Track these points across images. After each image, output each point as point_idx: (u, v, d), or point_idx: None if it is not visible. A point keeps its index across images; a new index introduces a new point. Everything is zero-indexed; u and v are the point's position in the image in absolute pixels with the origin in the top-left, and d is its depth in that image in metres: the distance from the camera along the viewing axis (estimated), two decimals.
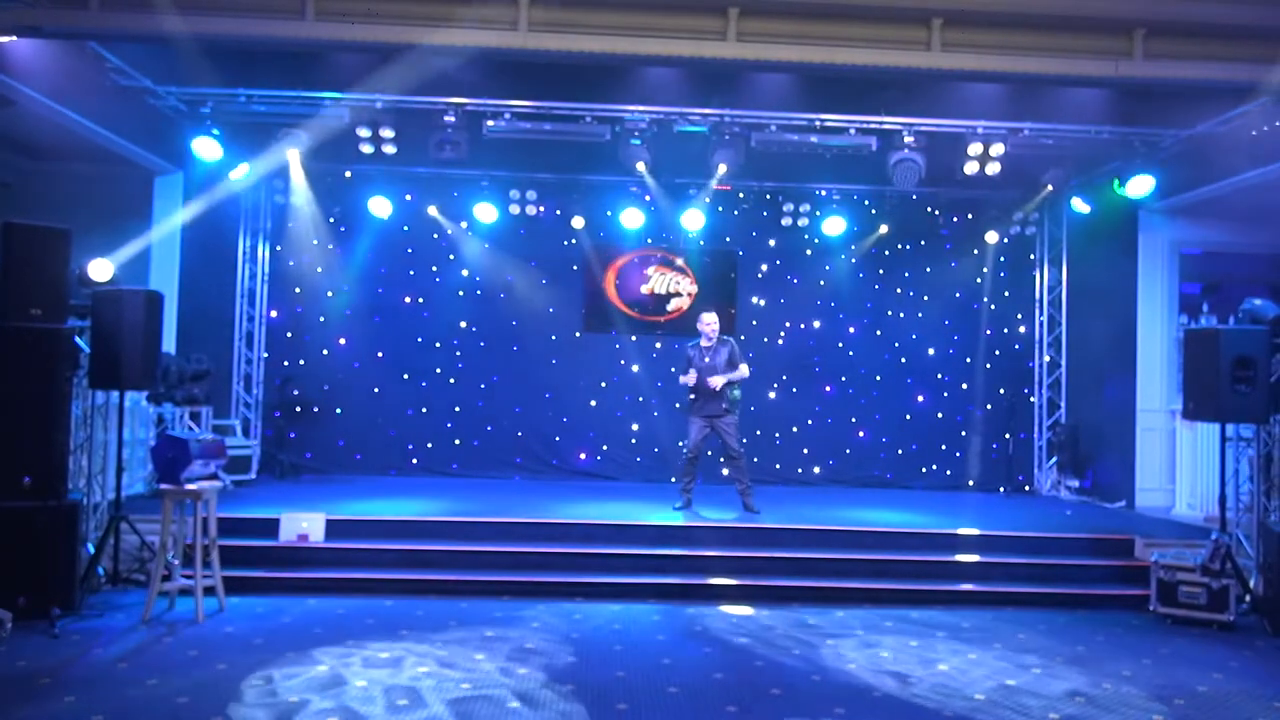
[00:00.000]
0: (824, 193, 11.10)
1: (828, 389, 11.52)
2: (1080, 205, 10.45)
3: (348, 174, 10.75)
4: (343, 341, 11.21)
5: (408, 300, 11.31)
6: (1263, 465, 7.59)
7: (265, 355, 11.22)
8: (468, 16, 5.45)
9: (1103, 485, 10.61)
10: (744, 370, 8.77)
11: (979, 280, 11.68)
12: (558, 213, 11.06)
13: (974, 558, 7.91)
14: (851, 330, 11.61)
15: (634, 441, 11.34)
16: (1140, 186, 9.06)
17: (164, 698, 4.80)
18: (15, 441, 6.32)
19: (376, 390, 11.17)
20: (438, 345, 11.30)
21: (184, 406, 9.25)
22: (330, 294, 11.19)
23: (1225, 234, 10.32)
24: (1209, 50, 5.89)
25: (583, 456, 11.34)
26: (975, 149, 8.87)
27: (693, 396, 8.80)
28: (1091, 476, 10.84)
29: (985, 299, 11.68)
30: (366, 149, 9.03)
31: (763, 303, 11.57)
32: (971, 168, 9.01)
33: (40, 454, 6.39)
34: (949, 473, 11.50)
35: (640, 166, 9.06)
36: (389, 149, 9.01)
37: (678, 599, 7.17)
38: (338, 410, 11.12)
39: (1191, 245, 10.61)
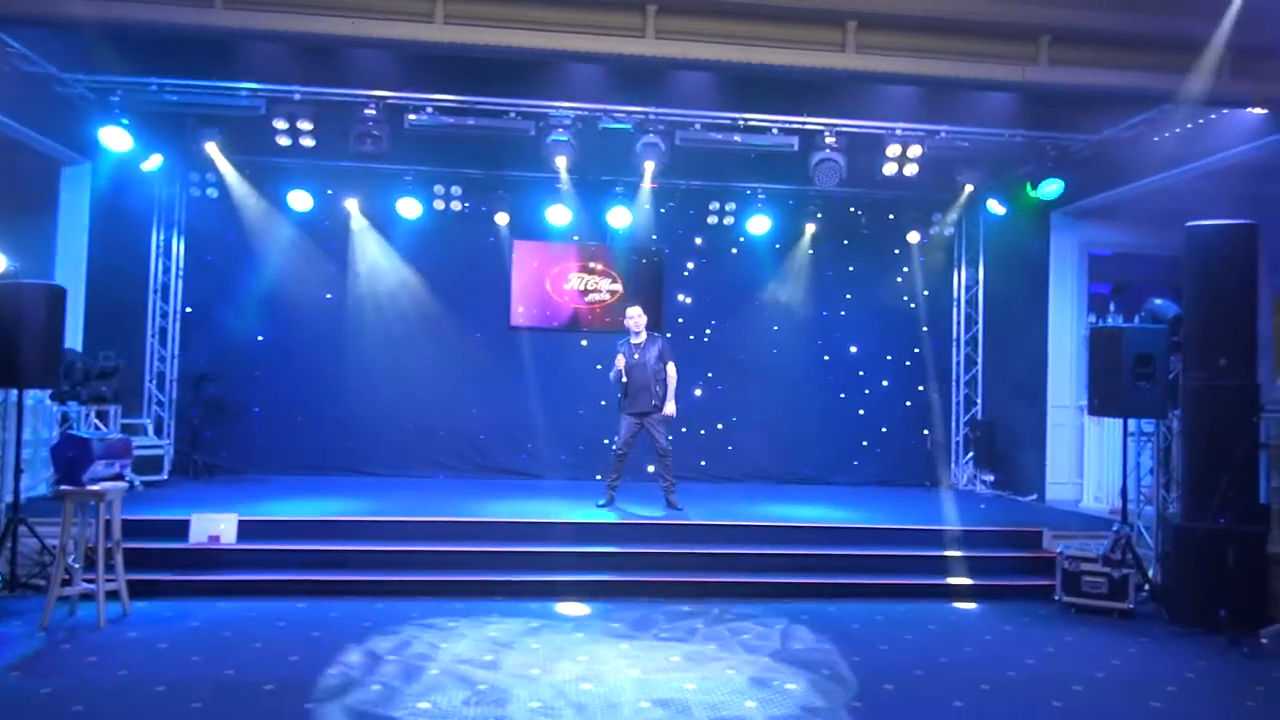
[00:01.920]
0: (749, 191, 11.20)
1: (753, 386, 11.62)
2: (995, 207, 10.74)
3: (266, 167, 10.49)
4: (261, 338, 10.94)
5: (329, 296, 11.10)
6: (1162, 459, 7.91)
7: (179, 352, 10.90)
8: (382, 7, 5.36)
9: (1015, 479, 10.92)
10: (673, 373, 8.81)
11: (900, 279, 11.91)
12: (483, 209, 10.96)
13: (890, 551, 8.06)
14: (776, 328, 11.74)
15: (559, 439, 11.29)
16: (1051, 190, 9.34)
17: (57, 707, 4.63)
18: None
19: (296, 388, 10.93)
20: (359, 342, 11.11)
21: (90, 405, 8.93)
22: (248, 289, 10.90)
23: (1132, 236, 10.70)
24: (1111, 58, 6.11)
25: (507, 455, 11.26)
26: (894, 150, 9.04)
27: (624, 396, 8.78)
28: (1005, 471, 11.14)
29: (906, 298, 11.91)
30: (284, 141, 8.84)
31: (689, 300, 11.63)
32: (890, 169, 9.20)
33: None
34: (871, 468, 11.69)
35: (560, 163, 9.03)
36: (307, 142, 8.84)
37: (603, 596, 7.16)
38: (255, 409, 10.86)
39: (1101, 247, 10.99)
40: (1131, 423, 8.03)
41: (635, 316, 8.87)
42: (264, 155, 9.95)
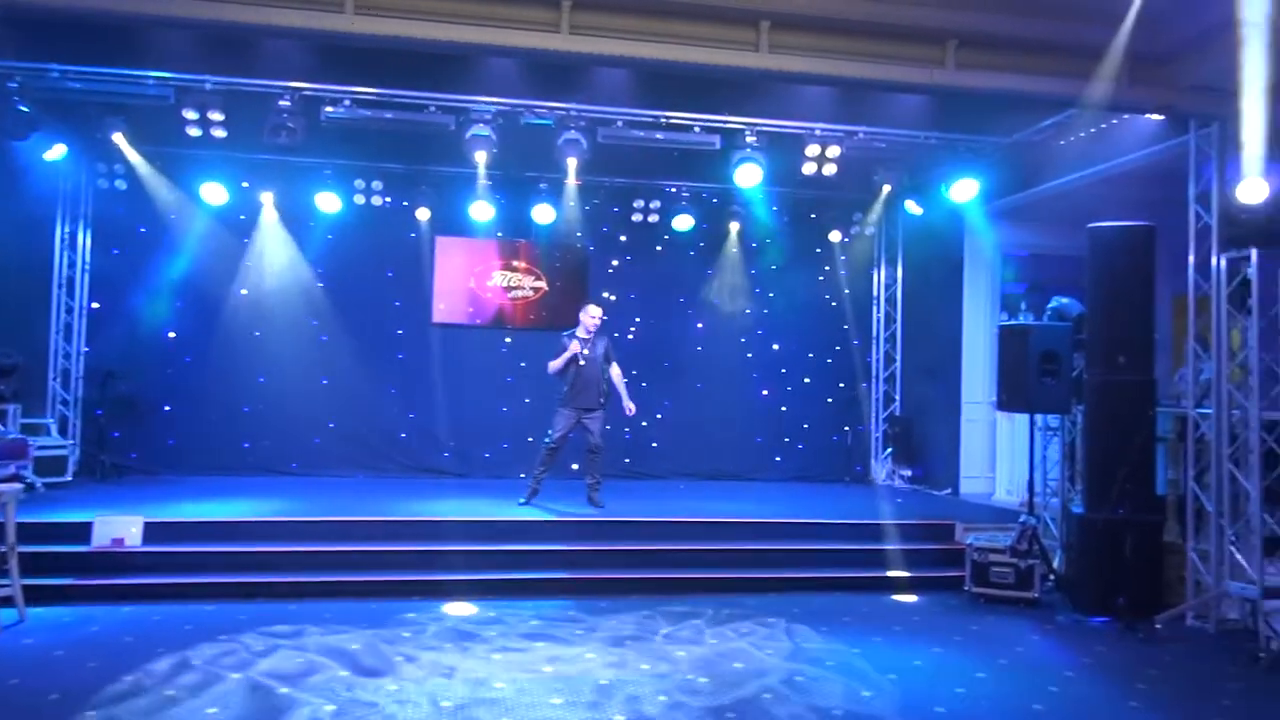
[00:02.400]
0: (674, 189, 11.25)
1: (677, 384, 11.68)
2: (913, 207, 10.96)
3: (177, 158, 10.18)
4: (172, 335, 10.62)
5: (244, 292, 10.82)
6: (1067, 453, 8.18)
7: (86, 349, 10.51)
8: None
9: (932, 474, 11.18)
10: (618, 373, 8.89)
11: (822, 278, 12.09)
12: (405, 204, 10.79)
13: (808, 546, 8.18)
14: (700, 326, 11.82)
15: (483, 437, 11.20)
16: (965, 191, 9.57)
17: None
18: None
19: (209, 386, 10.63)
20: (276, 339, 10.86)
21: None
22: (159, 284, 10.57)
23: (1044, 237, 11.01)
24: (1016, 63, 6.27)
25: (429, 453, 11.13)
26: (813, 150, 9.16)
27: (568, 389, 8.72)
28: (922, 466, 11.40)
29: (828, 296, 12.10)
30: (194, 132, 8.58)
31: (614, 298, 11.61)
32: (809, 168, 9.32)
33: None
34: (793, 464, 11.84)
35: (480, 158, 8.95)
36: (219, 133, 8.58)
37: (518, 595, 7.14)
38: (166, 408, 10.53)
39: (1014, 247, 11.29)
40: (1039, 418, 8.29)
41: (596, 316, 8.88)
42: (174, 146, 9.61)
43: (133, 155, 9.74)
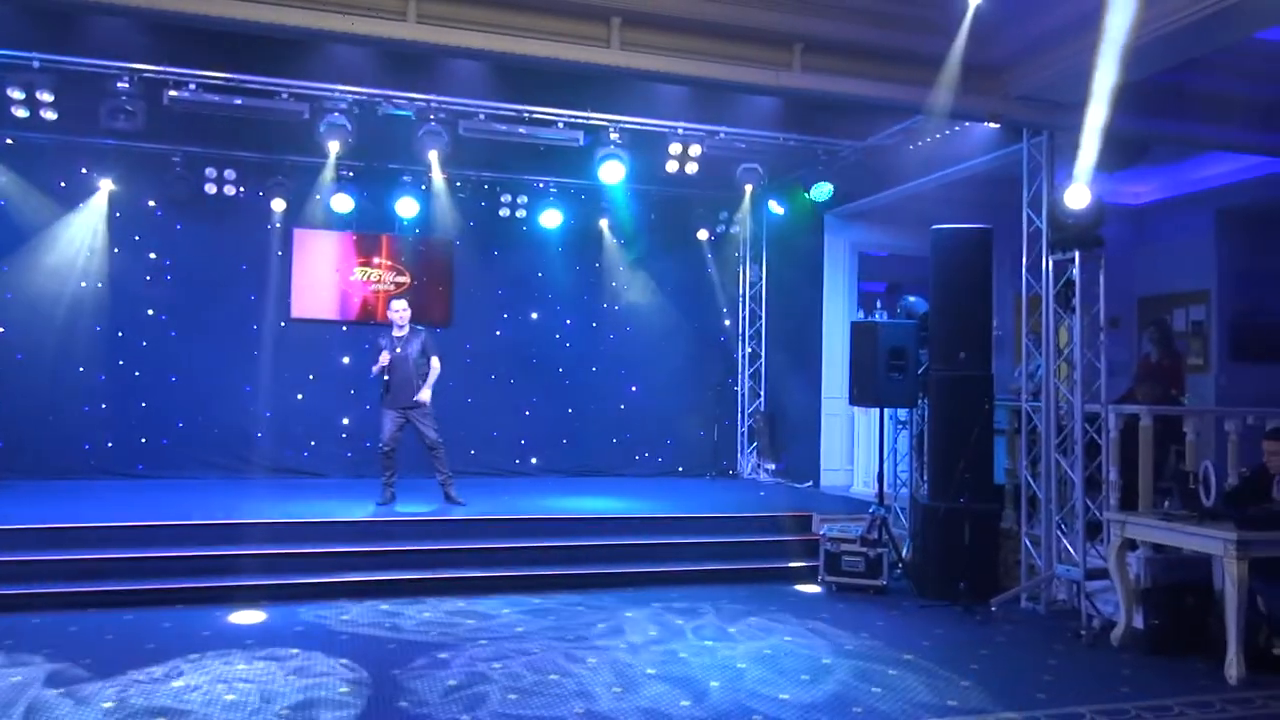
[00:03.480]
0: (541, 185, 11.19)
1: (544, 380, 11.63)
2: (775, 207, 11.24)
3: (9, 141, 9.53)
4: (2, 330, 9.93)
5: (84, 285, 10.19)
6: (916, 445, 8.52)
7: None
8: None
9: (794, 468, 11.47)
10: (436, 365, 8.73)
11: (689, 275, 12.24)
12: (260, 194, 10.37)
13: (671, 539, 8.27)
14: (568, 322, 11.80)
15: (344, 436, 10.89)
16: (822, 192, 9.85)
17: None
18: None
19: (45, 385, 9.98)
20: (120, 335, 10.29)
21: None
22: None
23: (897, 238, 11.43)
24: (860, 68, 6.50)
25: (288, 453, 10.75)
26: (675, 149, 9.27)
27: (385, 391, 8.61)
28: (785, 460, 11.69)
29: (693, 293, 12.26)
30: (21, 113, 8.04)
31: (480, 293, 11.49)
32: (672, 166, 9.42)
33: None
34: (660, 459, 11.97)
35: (334, 147, 8.70)
36: (49, 114, 8.07)
37: (376, 596, 6.97)
38: (2, 408, 9.83)
39: (870, 247, 11.70)
40: (890, 411, 8.61)
41: (400, 310, 8.74)
42: (3, 128, 9.01)
43: None
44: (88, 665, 5.23)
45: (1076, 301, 6.98)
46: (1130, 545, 6.28)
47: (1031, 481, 7.39)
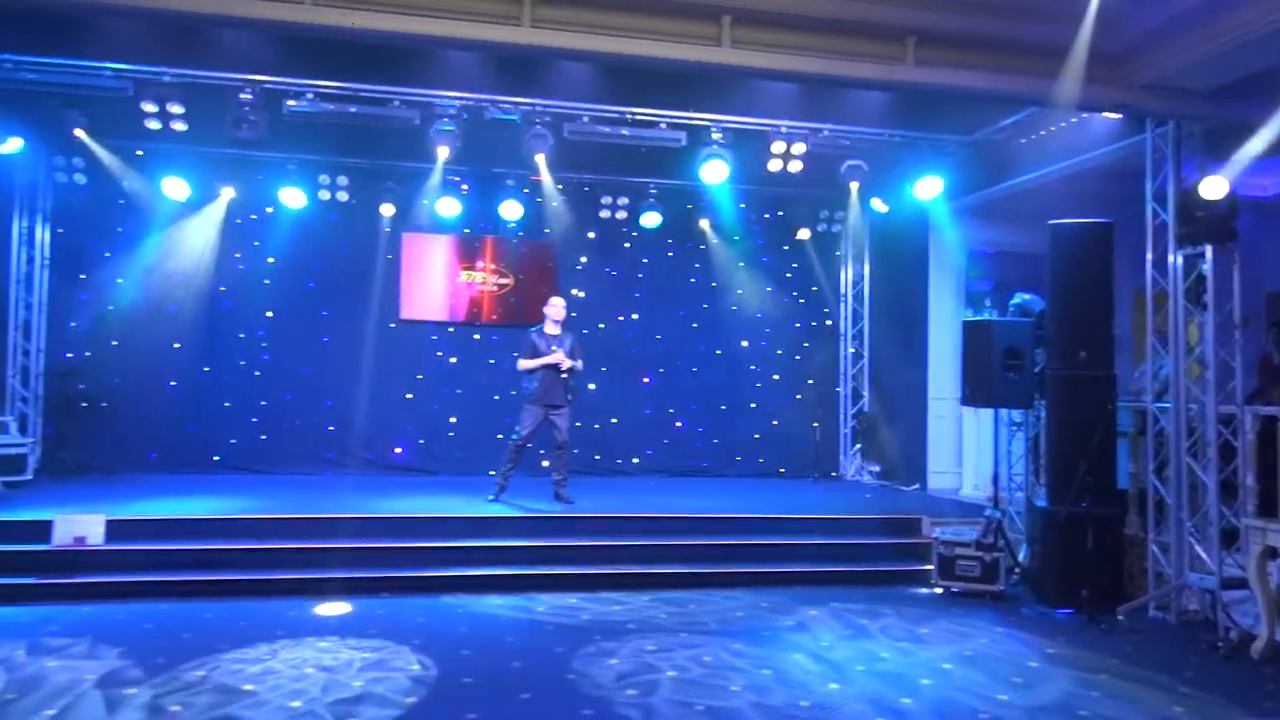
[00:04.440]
0: (641, 186, 11.24)
1: (645, 380, 11.69)
2: (878, 205, 11.04)
3: (139, 152, 10.04)
4: (135, 332, 10.47)
5: (207, 288, 10.69)
6: (1031, 447, 8.26)
7: (45, 346, 10.33)
8: None
9: (899, 470, 11.25)
10: (580, 365, 8.84)
11: (789, 275, 12.14)
12: (370, 199, 10.70)
13: (777, 540, 8.21)
14: (668, 322, 11.82)
15: (451, 434, 11.15)
16: (929, 188, 9.64)
17: None
18: None
19: (173, 384, 10.52)
20: (241, 336, 10.75)
21: None
22: (120, 280, 10.43)
23: (1009, 234, 11.10)
24: (975, 60, 6.32)
25: (398, 450, 11.06)
26: (778, 147, 9.19)
27: (536, 384, 8.68)
28: (890, 462, 11.47)
29: (795, 293, 12.15)
30: (154, 125, 8.46)
31: (582, 294, 11.61)
32: (775, 165, 9.35)
33: None
34: (762, 460, 11.89)
35: (443, 153, 8.90)
36: (179, 126, 8.48)
37: (490, 590, 7.10)
38: (129, 406, 10.36)
39: (980, 244, 11.38)
40: (1004, 412, 8.37)
41: (559, 306, 8.85)
42: (135, 139, 9.50)
43: (93, 149, 9.57)
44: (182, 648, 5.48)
45: (1209, 298, 6.65)
46: (1271, 554, 5.95)
47: (1159, 486, 7.07)
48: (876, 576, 7.89)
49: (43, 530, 7.04)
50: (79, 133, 8.97)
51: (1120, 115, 7.28)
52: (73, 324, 10.38)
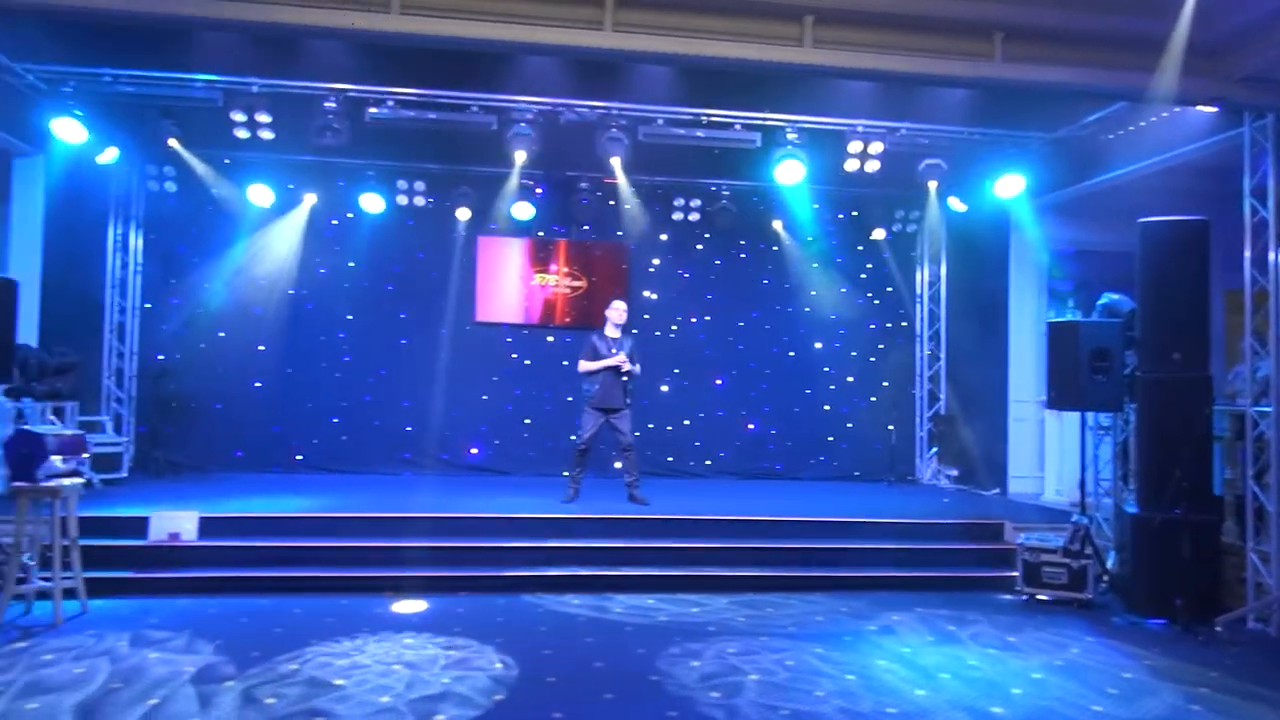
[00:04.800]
0: (714, 188, 11.22)
1: (718, 382, 11.66)
2: (956, 204, 10.84)
3: (226, 160, 10.36)
4: (222, 334, 10.81)
5: (291, 292, 10.98)
6: (1120, 451, 8.02)
7: (139, 348, 10.73)
8: None
9: (979, 474, 11.03)
10: (638, 369, 8.89)
11: (863, 276, 12.00)
12: (446, 204, 10.89)
13: (854, 545, 8.10)
14: (741, 324, 11.78)
15: (526, 435, 11.27)
16: (1010, 187, 9.44)
17: (8, 706, 4.55)
18: None
19: (258, 385, 10.83)
20: (322, 339, 11.02)
21: (45, 401, 8.76)
22: (208, 285, 10.78)
23: (1092, 233, 10.82)
24: (1065, 55, 6.15)
25: (474, 451, 11.22)
26: (855, 147, 9.10)
27: (595, 387, 8.76)
28: (968, 465, 11.25)
29: (869, 294, 12.01)
30: (242, 134, 8.74)
31: (654, 296, 11.64)
32: (851, 165, 9.25)
33: None
34: (836, 464, 11.77)
35: (520, 157, 9.01)
36: (266, 134, 8.74)
37: (567, 590, 7.16)
38: (217, 406, 10.72)
39: (1062, 244, 11.09)
40: (1090, 416, 8.14)
41: (620, 310, 8.92)
42: (223, 148, 9.81)
43: (184, 157, 9.90)
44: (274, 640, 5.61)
45: None
46: None
47: (1259, 492, 6.81)
48: (957, 582, 7.75)
49: (140, 526, 7.31)
50: (172, 142, 9.28)
51: (1216, 109, 7.03)
52: (164, 327, 10.76)
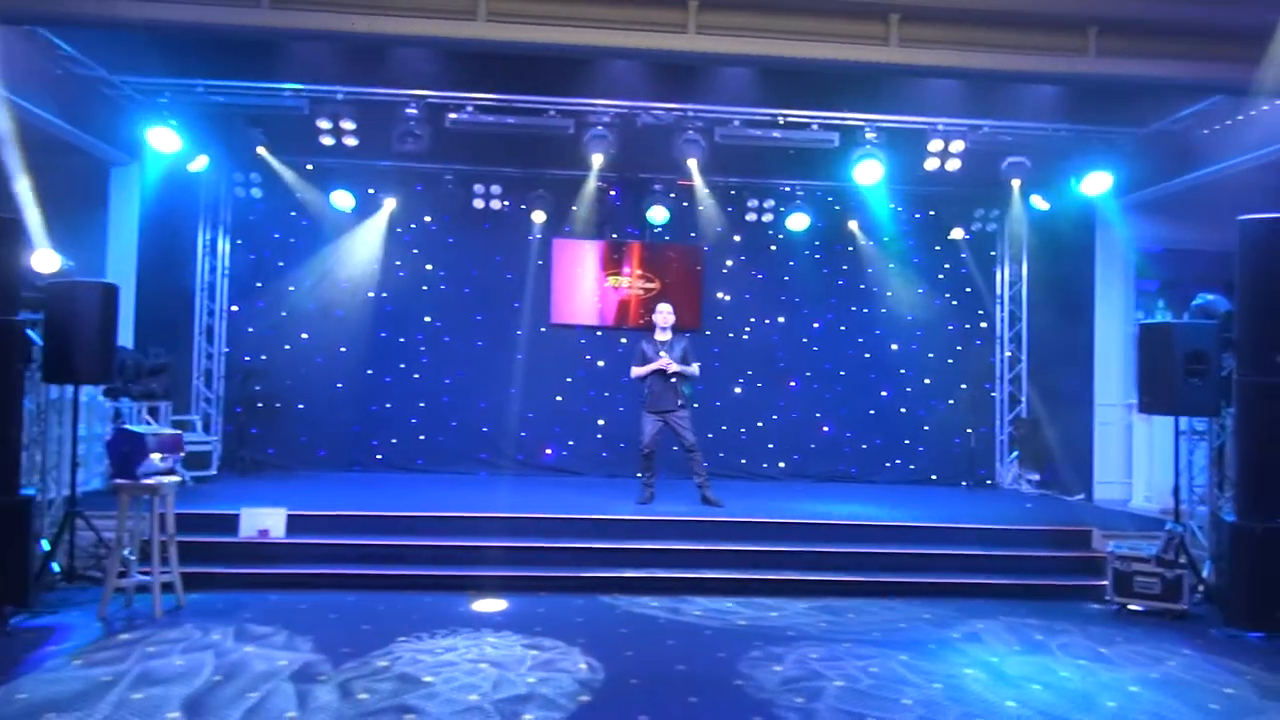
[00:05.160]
0: (788, 188, 11.15)
1: (792, 384, 11.58)
2: (1039, 202, 10.58)
3: (309, 166, 10.63)
4: (305, 336, 11.10)
5: (371, 295, 11.22)
6: (1215, 457, 7.73)
7: (226, 350, 11.07)
8: (426, 5, 5.39)
9: (1062, 478, 10.76)
10: (695, 369, 8.83)
11: (941, 276, 11.80)
12: (522, 207, 11.01)
13: (934, 550, 7.98)
14: (816, 325, 11.67)
15: (600, 436, 11.33)
16: (1097, 184, 9.18)
17: (120, 696, 4.73)
18: None
19: (340, 385, 11.08)
20: (401, 340, 11.23)
21: (141, 401, 9.10)
22: (292, 288, 11.07)
23: (1183, 231, 10.49)
24: (1160, 48, 5.97)
25: (548, 452, 11.32)
26: (936, 145, 8.94)
27: (646, 390, 8.80)
28: (1052, 470, 10.98)
29: (947, 294, 11.80)
30: (327, 141, 8.96)
31: (728, 298, 11.60)
32: (932, 164, 9.10)
33: None
34: (912, 467, 11.59)
35: (596, 160, 9.05)
36: (350, 141, 8.94)
37: (645, 592, 7.17)
38: (300, 406, 11.01)
39: (1150, 242, 10.78)
40: (1184, 420, 7.87)
41: (665, 313, 8.89)
42: (307, 154, 10.07)
43: (270, 164, 10.18)
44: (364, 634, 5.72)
45: None
46: None
47: None
48: (1043, 590, 7.55)
49: (230, 523, 7.55)
50: (260, 150, 9.54)
51: None
52: (249, 329, 11.09)
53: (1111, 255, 10.44)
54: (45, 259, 6.92)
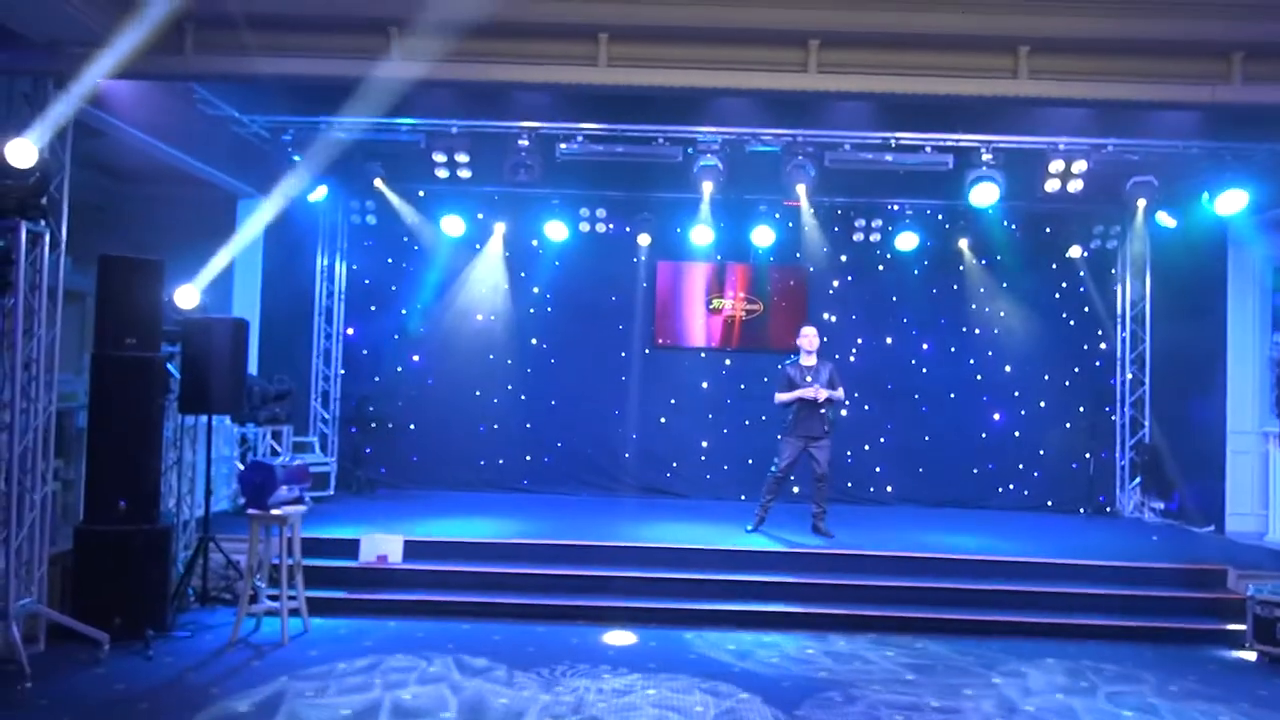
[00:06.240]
0: (896, 208, 10.93)
1: (900, 407, 11.33)
2: (1166, 220, 10.11)
3: (421, 193, 10.90)
4: (416, 358, 11.39)
5: (479, 318, 11.44)
6: None
7: (342, 372, 11.44)
8: (549, 53, 5.47)
9: (1190, 508, 10.25)
10: (840, 393, 8.67)
11: (1057, 295, 11.40)
12: (627, 230, 11.07)
13: (1054, 589, 7.68)
14: (925, 347, 11.41)
15: (703, 459, 11.30)
16: (1232, 202, 8.73)
17: None
18: (112, 466, 6.55)
19: (449, 406, 11.32)
20: (509, 362, 11.42)
21: (266, 426, 9.48)
22: (404, 312, 11.37)
23: None
24: None
25: (652, 473, 11.33)
26: (1056, 166, 8.64)
27: (792, 416, 8.61)
28: (1178, 499, 10.48)
29: (1064, 315, 11.39)
30: (442, 174, 9.17)
31: (834, 319, 11.43)
32: (1052, 185, 8.79)
33: (135, 478, 6.62)
34: (1026, 493, 11.22)
35: (707, 187, 9.02)
36: (464, 173, 9.13)
37: (755, 627, 7.12)
38: (411, 426, 11.29)
39: None
40: None
41: (810, 336, 8.71)
42: (420, 183, 10.35)
43: (386, 195, 10.47)
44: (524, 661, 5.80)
45: None
46: None
47: None
48: (1169, 634, 7.21)
49: (350, 547, 7.77)
50: (377, 182, 9.82)
51: None
52: (364, 351, 11.43)
53: (1245, 274, 9.91)
54: (186, 295, 7.26)
